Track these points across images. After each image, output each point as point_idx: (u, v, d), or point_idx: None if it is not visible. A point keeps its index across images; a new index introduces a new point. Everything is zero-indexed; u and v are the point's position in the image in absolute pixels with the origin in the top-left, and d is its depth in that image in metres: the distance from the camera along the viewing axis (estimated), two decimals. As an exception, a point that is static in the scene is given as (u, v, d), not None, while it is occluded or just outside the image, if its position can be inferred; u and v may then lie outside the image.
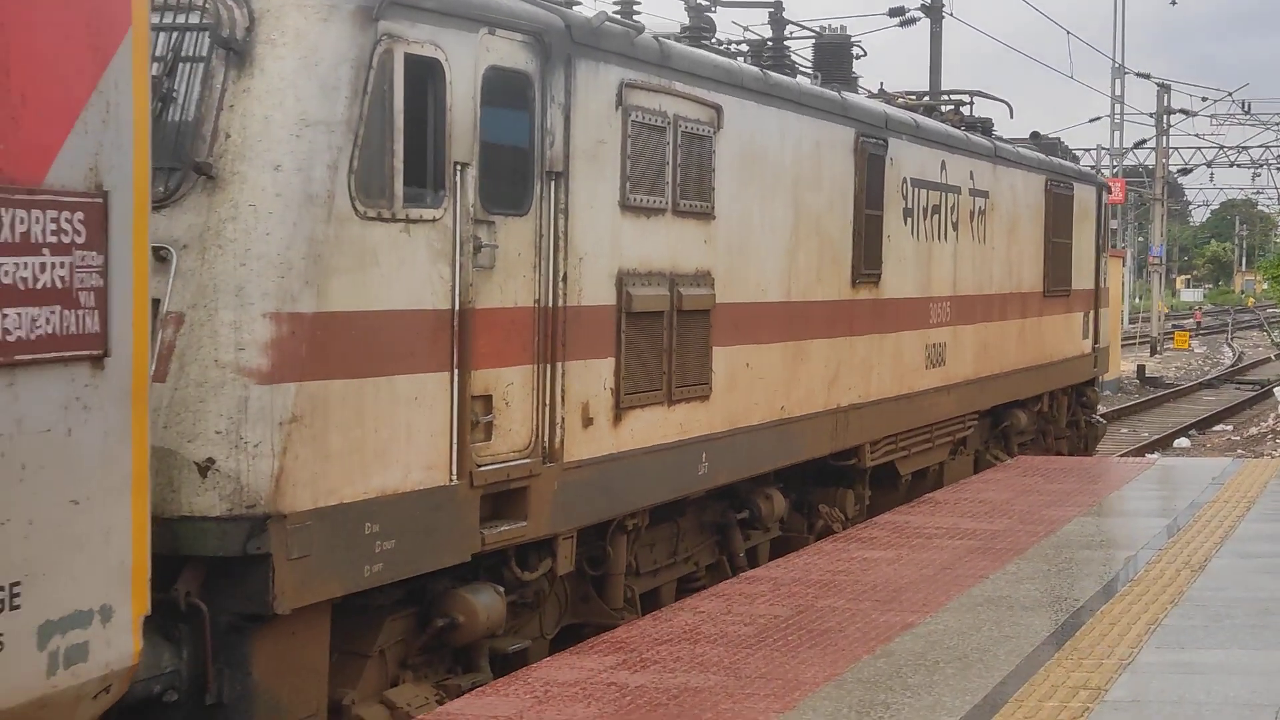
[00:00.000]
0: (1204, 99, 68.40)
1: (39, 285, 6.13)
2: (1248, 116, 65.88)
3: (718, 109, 12.11)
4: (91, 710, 6.58)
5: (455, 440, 9.04)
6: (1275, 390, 41.04)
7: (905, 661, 9.27)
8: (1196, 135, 74.27)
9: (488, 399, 9.38)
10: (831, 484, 15.34)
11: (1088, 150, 62.11)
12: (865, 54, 17.80)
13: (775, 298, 13.29)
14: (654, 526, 11.81)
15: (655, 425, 11.26)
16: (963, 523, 14.44)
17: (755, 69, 13.05)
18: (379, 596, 8.96)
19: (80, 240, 6.33)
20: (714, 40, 13.25)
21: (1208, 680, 8.88)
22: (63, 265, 6.24)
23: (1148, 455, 29.14)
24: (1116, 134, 60.20)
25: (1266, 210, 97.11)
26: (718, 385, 12.19)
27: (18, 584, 6.06)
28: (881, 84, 19.44)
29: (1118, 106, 59.55)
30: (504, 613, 9.61)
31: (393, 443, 8.60)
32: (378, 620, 9.00)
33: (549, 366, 9.93)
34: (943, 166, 17.78)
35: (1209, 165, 70.60)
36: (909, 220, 16.63)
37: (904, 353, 16.50)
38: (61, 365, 6.25)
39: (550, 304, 9.96)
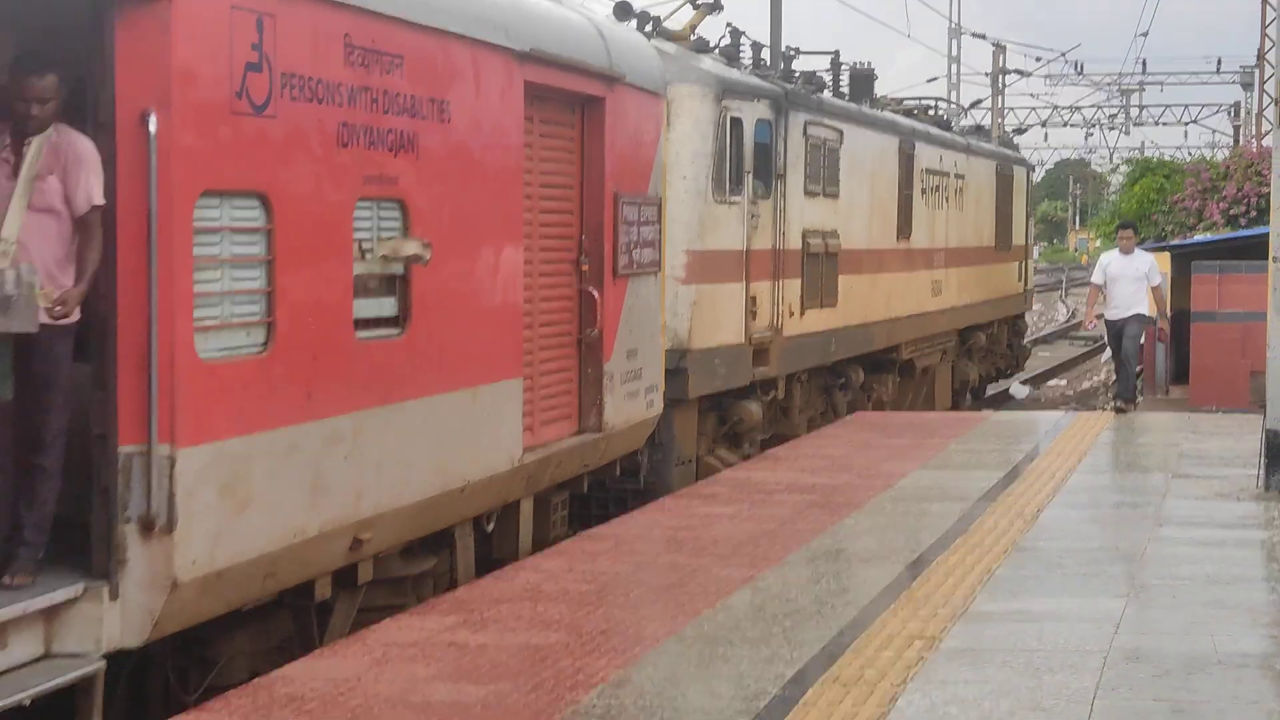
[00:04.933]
0: (1038, 59, 66.18)
1: (647, 238, 14.01)
2: (1080, 77, 65.88)
3: (841, 132, 20.19)
4: (648, 430, 14.49)
5: (744, 319, 17.07)
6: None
7: (744, 615, 9.29)
8: (1031, 95, 71.00)
9: (754, 298, 17.41)
10: (878, 371, 23.44)
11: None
12: (878, 78, 25.95)
13: (863, 246, 21.41)
14: (806, 381, 19.88)
15: (816, 319, 19.35)
16: (803, 478, 14.52)
17: (856, 107, 21.17)
18: (704, 403, 16.92)
19: (654, 219, 14.22)
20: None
21: (1040, 628, 8.96)
22: (651, 229, 14.13)
23: (982, 411, 29.68)
24: (954, 94, 57.61)
25: (1099, 170, 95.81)
26: (840, 299, 20.29)
27: (640, 368, 13.97)
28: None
29: (954, 66, 58.37)
30: (761, 417, 17.66)
31: (722, 319, 16.61)
32: (707, 416, 16.99)
33: (777, 282, 17.99)
34: (940, 159, 25.98)
35: (1043, 125, 69.88)
36: (924, 196, 24.80)
37: (922, 284, 24.71)
38: (650, 275, 14.14)
39: (777, 248, 17.99)
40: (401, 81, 9.56)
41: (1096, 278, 20.28)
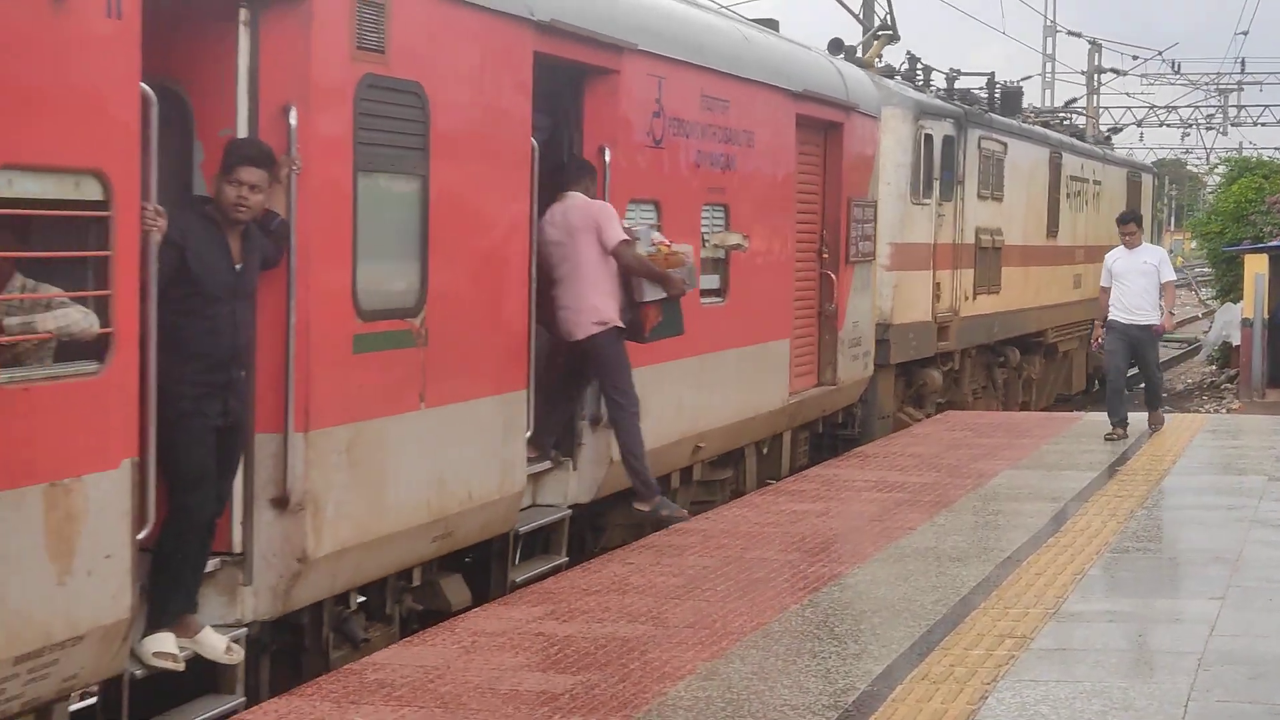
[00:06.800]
0: (1135, 58, 65.37)
1: (867, 233, 17.54)
2: (1177, 76, 63.53)
3: (1005, 145, 23.73)
4: (863, 388, 18.06)
5: (931, 301, 20.67)
6: (1202, 349, 40.25)
7: (832, 611, 9.24)
8: (1127, 94, 67.60)
9: (938, 284, 20.99)
10: (1028, 352, 26.90)
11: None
12: (1023, 91, 29.47)
13: (1020, 242, 24.94)
14: (974, 357, 23.43)
15: (984, 304, 22.91)
16: (891, 476, 14.45)
17: (1017, 123, 24.72)
18: (897, 369, 20.49)
19: (872, 218, 17.75)
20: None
21: (1133, 629, 8.92)
22: (870, 226, 17.64)
23: (1074, 411, 29.51)
24: (1048, 93, 55.75)
25: (1195, 170, 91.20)
26: (1002, 286, 23.83)
27: (860, 337, 17.53)
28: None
29: (1049, 65, 56.76)
30: (940, 384, 21.25)
31: (914, 300, 20.21)
32: (899, 380, 20.59)
33: (956, 270, 21.57)
34: (1081, 167, 29.43)
35: (1139, 125, 67.32)
36: (1068, 198, 28.29)
37: (1065, 277, 28.20)
38: (868, 262, 17.67)
39: (954, 242, 21.57)
40: (728, 118, 13.25)
41: (1104, 280, 17.43)
